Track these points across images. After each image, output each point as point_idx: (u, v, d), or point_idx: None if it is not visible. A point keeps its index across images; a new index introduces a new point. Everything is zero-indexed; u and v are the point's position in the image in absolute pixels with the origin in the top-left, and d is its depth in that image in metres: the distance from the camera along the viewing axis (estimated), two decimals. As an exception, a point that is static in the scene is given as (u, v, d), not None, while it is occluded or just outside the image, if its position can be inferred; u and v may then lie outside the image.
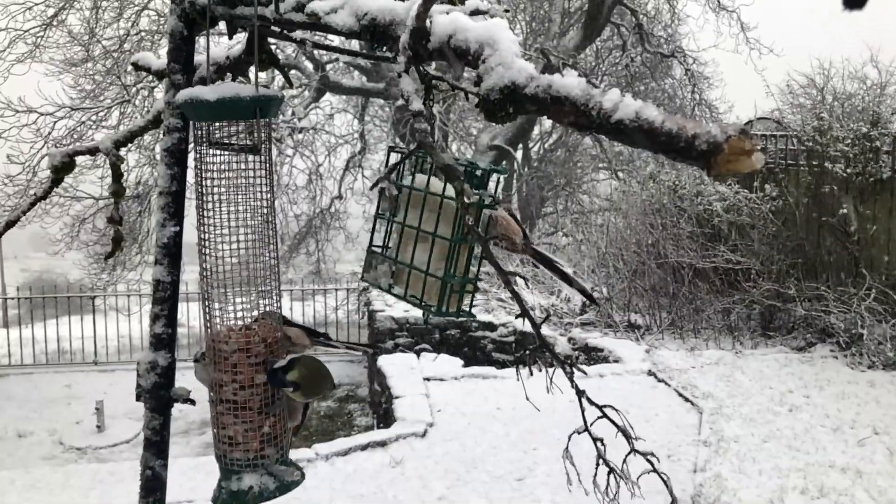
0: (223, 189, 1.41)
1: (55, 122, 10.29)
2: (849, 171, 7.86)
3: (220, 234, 1.41)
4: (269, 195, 1.43)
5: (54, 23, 10.51)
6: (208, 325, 1.46)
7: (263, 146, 1.40)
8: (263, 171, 1.42)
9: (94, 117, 10.47)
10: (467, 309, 1.58)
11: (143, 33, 10.92)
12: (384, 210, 1.64)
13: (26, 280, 17.69)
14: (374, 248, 1.68)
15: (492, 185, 1.61)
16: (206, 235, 1.41)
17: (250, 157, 1.41)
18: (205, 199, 1.40)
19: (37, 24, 10.42)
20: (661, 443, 5.37)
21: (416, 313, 8.67)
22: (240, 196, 1.42)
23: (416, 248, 1.56)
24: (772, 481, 4.70)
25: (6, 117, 9.92)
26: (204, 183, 1.40)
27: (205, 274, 1.43)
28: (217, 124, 1.40)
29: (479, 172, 1.58)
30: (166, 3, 1.72)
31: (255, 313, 1.46)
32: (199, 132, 1.40)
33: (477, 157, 11.48)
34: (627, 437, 1.19)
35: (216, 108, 1.35)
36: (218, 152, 1.40)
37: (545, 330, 5.65)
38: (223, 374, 1.44)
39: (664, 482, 1.25)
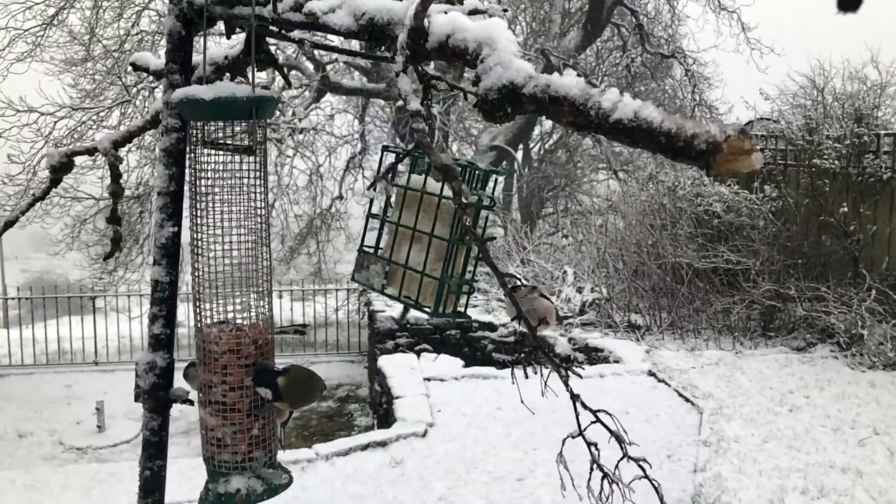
0: (217, 189, 1.40)
1: (55, 122, 10.29)
2: (841, 166, 7.82)
3: (214, 234, 1.40)
4: (263, 196, 1.42)
5: (55, 22, 10.52)
6: (199, 325, 1.45)
7: (259, 147, 1.39)
8: (259, 173, 1.41)
9: (94, 117, 10.47)
10: (462, 310, 1.57)
11: (143, 33, 10.92)
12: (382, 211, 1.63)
13: (27, 280, 17.67)
14: (365, 249, 1.66)
15: (490, 186, 1.60)
16: (200, 236, 1.41)
17: (246, 158, 1.40)
18: (199, 199, 1.40)
19: (37, 23, 10.43)
20: (661, 443, 5.37)
21: (417, 313, 8.63)
22: (234, 197, 1.40)
23: (412, 248, 1.55)
24: (772, 481, 4.69)
25: (6, 117, 9.93)
26: (198, 183, 1.40)
27: (197, 274, 1.42)
28: (213, 125, 1.39)
29: (479, 173, 1.57)
30: (167, 3, 1.72)
31: (247, 314, 1.45)
32: (195, 132, 1.39)
33: (477, 157, 11.48)
34: (621, 442, 1.19)
35: (212, 108, 1.34)
36: (213, 153, 1.39)
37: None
38: (213, 375, 1.42)
39: (655, 489, 1.25)
